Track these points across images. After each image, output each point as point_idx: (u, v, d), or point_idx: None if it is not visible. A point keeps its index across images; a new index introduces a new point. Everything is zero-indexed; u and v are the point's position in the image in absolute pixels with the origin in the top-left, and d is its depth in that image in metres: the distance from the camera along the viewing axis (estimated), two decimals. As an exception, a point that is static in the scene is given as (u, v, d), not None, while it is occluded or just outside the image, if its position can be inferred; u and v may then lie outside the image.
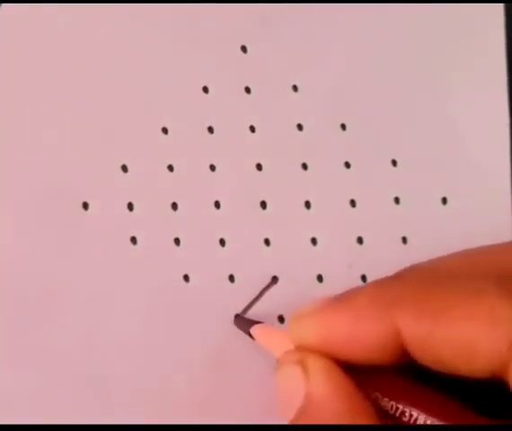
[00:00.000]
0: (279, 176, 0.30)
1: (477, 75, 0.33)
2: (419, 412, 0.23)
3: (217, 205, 0.29)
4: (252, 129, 0.30)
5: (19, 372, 0.27)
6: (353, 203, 0.30)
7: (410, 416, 0.23)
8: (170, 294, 0.28)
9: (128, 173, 0.29)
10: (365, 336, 0.24)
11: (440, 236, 0.31)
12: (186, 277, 0.28)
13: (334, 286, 0.29)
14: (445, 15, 0.33)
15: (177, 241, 0.29)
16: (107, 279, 0.28)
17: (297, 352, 0.24)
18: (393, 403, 0.23)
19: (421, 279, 0.24)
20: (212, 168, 0.29)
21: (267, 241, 0.29)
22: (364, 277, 0.29)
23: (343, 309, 0.24)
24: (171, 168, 0.29)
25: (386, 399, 0.23)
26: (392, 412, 0.23)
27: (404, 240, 0.30)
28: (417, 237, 0.30)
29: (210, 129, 0.30)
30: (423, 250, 0.30)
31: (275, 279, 0.29)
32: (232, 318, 0.28)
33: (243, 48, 0.30)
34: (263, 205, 0.29)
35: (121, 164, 0.29)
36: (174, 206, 0.29)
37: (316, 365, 0.24)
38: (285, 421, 0.24)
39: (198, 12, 0.30)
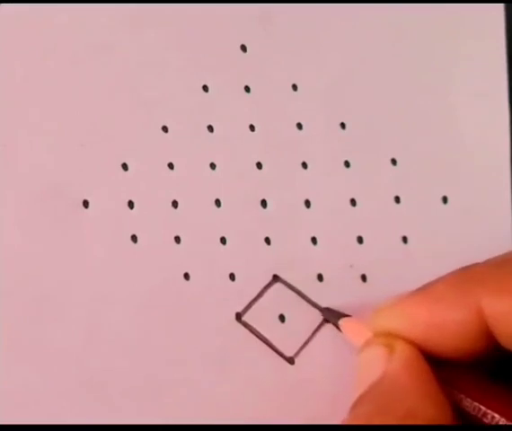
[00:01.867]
0: (279, 175, 0.30)
1: (477, 75, 0.33)
2: (500, 417, 0.23)
3: (218, 203, 0.29)
4: (252, 128, 0.30)
5: (19, 371, 0.27)
6: (353, 202, 0.30)
7: (492, 418, 0.23)
8: (170, 293, 0.28)
9: (128, 171, 0.29)
10: (446, 320, 0.24)
11: (440, 235, 0.31)
12: (186, 276, 0.28)
13: (334, 286, 0.29)
14: (445, 15, 0.33)
15: (177, 239, 0.28)
16: (107, 278, 0.28)
17: (387, 336, 0.25)
18: (476, 404, 0.23)
19: (500, 259, 0.24)
20: (212, 166, 0.29)
21: (267, 240, 0.29)
22: (364, 277, 0.29)
23: (423, 297, 0.25)
24: (171, 166, 0.29)
25: (469, 399, 0.24)
26: (473, 413, 0.23)
27: (404, 239, 0.30)
28: (417, 236, 0.30)
29: (210, 128, 0.30)
30: (423, 250, 0.30)
31: (276, 278, 0.29)
32: (232, 317, 0.28)
33: (243, 48, 0.30)
34: (263, 203, 0.29)
35: (122, 163, 0.29)
36: (175, 204, 0.29)
37: (402, 349, 0.24)
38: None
39: (197, 11, 0.30)
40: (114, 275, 0.28)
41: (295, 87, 0.31)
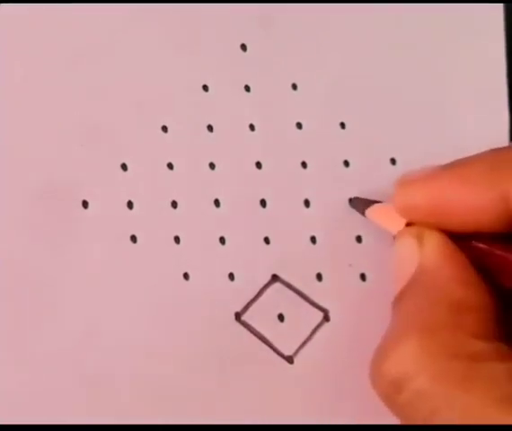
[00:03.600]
0: (279, 174, 0.30)
1: (477, 75, 0.33)
2: None
3: (217, 203, 0.29)
4: (252, 128, 0.30)
5: (18, 371, 0.27)
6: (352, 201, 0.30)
7: None
8: (170, 293, 0.28)
9: (127, 172, 0.29)
10: (472, 202, 0.24)
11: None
12: (186, 276, 0.28)
13: (333, 285, 0.29)
14: (445, 15, 0.33)
15: (177, 239, 0.29)
16: (107, 278, 0.28)
17: (415, 227, 0.25)
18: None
19: None
20: (212, 166, 0.29)
21: (266, 240, 0.29)
22: (363, 276, 0.29)
23: (451, 175, 0.25)
24: (170, 166, 0.29)
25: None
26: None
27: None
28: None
29: (210, 128, 0.30)
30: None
31: (275, 278, 0.29)
32: (232, 316, 0.28)
33: (243, 47, 0.30)
34: (263, 203, 0.29)
35: (121, 163, 0.29)
36: (174, 204, 0.29)
37: (431, 238, 0.24)
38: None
39: (197, 10, 0.30)
40: (114, 275, 0.28)
41: (294, 87, 0.31)
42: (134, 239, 0.28)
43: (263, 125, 0.30)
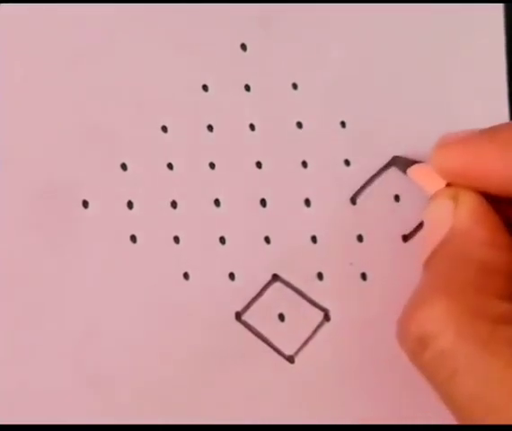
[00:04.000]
0: (279, 174, 0.30)
1: (477, 75, 0.33)
2: None
3: (217, 203, 0.29)
4: (252, 127, 0.30)
5: (19, 371, 0.27)
6: (353, 201, 0.30)
7: None
8: (170, 293, 0.28)
9: (127, 172, 0.29)
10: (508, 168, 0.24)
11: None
12: (186, 275, 0.28)
13: (334, 284, 0.29)
14: (445, 15, 0.33)
15: (177, 239, 0.28)
16: (107, 278, 0.28)
17: (452, 188, 0.25)
18: None
19: None
20: (212, 166, 0.29)
21: (267, 239, 0.29)
22: (364, 275, 0.29)
23: (491, 138, 0.25)
24: (170, 166, 0.29)
25: None
26: None
27: (405, 237, 0.30)
28: (417, 234, 0.30)
29: (210, 127, 0.30)
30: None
31: (275, 277, 0.29)
32: (232, 316, 0.28)
33: (243, 47, 0.30)
34: (263, 203, 0.29)
35: (121, 163, 0.29)
36: (174, 204, 0.29)
37: (466, 199, 0.24)
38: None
39: (197, 10, 0.30)
40: (114, 275, 0.28)
41: (295, 86, 0.31)
42: (134, 239, 0.28)
43: (263, 124, 0.30)
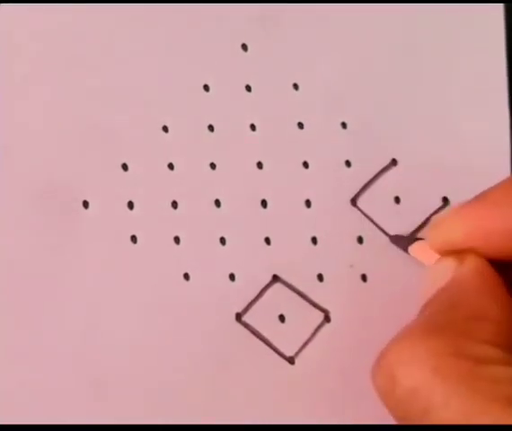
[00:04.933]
0: (280, 174, 0.30)
1: (477, 75, 0.33)
2: None
3: (218, 203, 0.29)
4: (253, 128, 0.30)
5: (19, 371, 0.27)
6: (354, 202, 0.30)
7: None
8: (170, 293, 0.28)
9: (128, 172, 0.29)
10: (507, 224, 0.24)
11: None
12: (186, 276, 0.28)
13: (334, 286, 0.29)
14: (445, 15, 0.33)
15: (177, 239, 0.28)
16: (107, 278, 0.28)
17: (455, 252, 0.25)
18: None
19: None
20: (212, 166, 0.29)
21: (267, 240, 0.29)
22: (364, 277, 0.29)
23: (482, 204, 0.25)
24: (171, 166, 0.29)
25: None
26: None
27: (405, 239, 0.30)
28: (417, 236, 0.30)
29: (211, 128, 0.30)
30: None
31: (275, 278, 0.29)
32: (232, 317, 0.28)
33: (244, 47, 0.30)
34: (264, 203, 0.29)
35: (122, 163, 0.29)
36: (174, 204, 0.29)
37: (472, 258, 0.24)
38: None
39: (198, 10, 0.30)
40: (114, 275, 0.28)
41: (296, 86, 0.31)
42: (134, 239, 0.28)
43: (264, 125, 0.30)
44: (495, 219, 0.24)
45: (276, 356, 0.28)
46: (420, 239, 0.28)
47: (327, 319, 0.29)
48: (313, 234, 0.29)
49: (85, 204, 0.28)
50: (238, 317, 0.28)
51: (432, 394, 0.21)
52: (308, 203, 0.30)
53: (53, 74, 0.28)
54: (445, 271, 0.25)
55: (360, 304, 0.29)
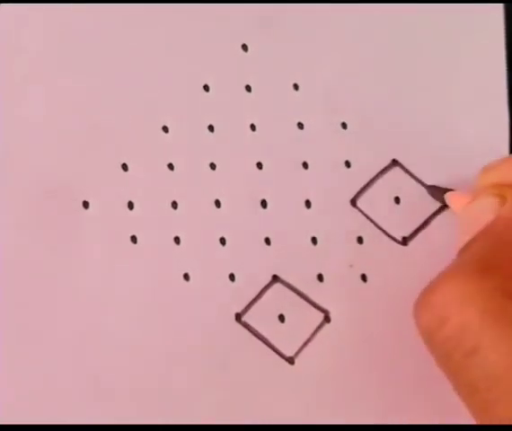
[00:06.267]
0: (280, 175, 0.30)
1: (477, 75, 0.33)
2: None
3: (218, 203, 0.29)
4: (253, 128, 0.30)
5: (19, 371, 0.27)
6: (354, 202, 0.30)
7: None
8: (170, 293, 0.28)
9: (128, 172, 0.29)
10: None
11: (440, 236, 0.31)
12: (186, 276, 0.28)
13: (334, 285, 0.29)
14: (445, 15, 0.33)
15: (177, 239, 0.28)
16: (107, 278, 0.28)
17: (497, 188, 0.25)
18: None
19: None
20: (212, 166, 0.29)
21: (267, 240, 0.29)
22: (364, 277, 0.29)
23: None
24: (171, 167, 0.29)
25: None
26: None
27: (404, 239, 0.30)
28: (416, 237, 0.30)
29: (211, 128, 0.30)
30: (423, 250, 0.30)
31: (275, 278, 0.29)
32: (232, 317, 0.28)
33: (244, 47, 0.30)
34: (263, 204, 0.29)
35: (121, 163, 0.29)
36: (174, 204, 0.29)
37: None
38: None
39: (198, 10, 0.30)
40: (114, 275, 0.28)
41: (296, 87, 0.31)
42: (134, 239, 0.28)
43: (264, 125, 0.30)
44: None
45: (276, 356, 0.28)
46: (452, 190, 0.29)
47: (327, 319, 0.29)
48: (312, 234, 0.29)
49: (85, 204, 0.28)
50: (238, 317, 0.28)
51: (482, 334, 0.21)
52: (308, 203, 0.30)
53: (53, 75, 0.28)
54: (488, 209, 0.24)
55: (360, 304, 0.29)
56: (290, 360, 0.28)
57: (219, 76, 0.30)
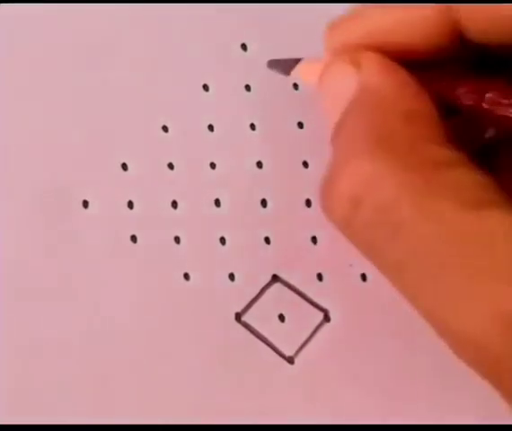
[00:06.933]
0: (280, 174, 0.30)
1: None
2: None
3: (218, 203, 0.29)
4: (253, 127, 0.30)
5: (19, 371, 0.27)
6: (353, 201, 0.30)
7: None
8: (170, 293, 0.28)
9: (128, 172, 0.29)
10: (413, 15, 0.22)
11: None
12: (186, 276, 0.28)
13: (334, 285, 0.29)
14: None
15: (177, 239, 0.28)
16: (107, 278, 0.28)
17: (347, 54, 0.23)
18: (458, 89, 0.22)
19: None
20: (212, 166, 0.29)
21: (267, 240, 0.29)
22: (364, 276, 0.29)
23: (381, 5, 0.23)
24: (171, 166, 0.29)
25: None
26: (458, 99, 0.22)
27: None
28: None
29: (210, 127, 0.30)
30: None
31: (275, 278, 0.29)
32: (232, 317, 0.28)
33: (243, 46, 0.30)
34: (263, 203, 0.29)
35: (121, 163, 0.29)
36: (174, 204, 0.29)
37: (369, 59, 0.22)
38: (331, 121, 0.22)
39: (198, 10, 0.30)
40: (114, 275, 0.28)
41: (295, 86, 0.31)
42: (134, 239, 0.28)
43: (264, 124, 0.30)
44: (402, 13, 0.22)
45: (275, 355, 0.28)
46: (299, 59, 0.26)
47: (327, 318, 0.29)
48: (312, 234, 0.29)
49: (85, 204, 0.28)
50: (238, 317, 0.28)
51: (401, 211, 0.20)
52: (308, 202, 0.30)
53: (53, 75, 0.28)
54: (346, 81, 0.22)
55: (360, 304, 0.29)
56: (290, 359, 0.28)
57: (219, 76, 0.30)
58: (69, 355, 0.27)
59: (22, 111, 0.28)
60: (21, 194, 0.28)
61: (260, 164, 0.30)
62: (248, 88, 0.30)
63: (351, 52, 0.23)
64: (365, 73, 0.22)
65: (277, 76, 0.31)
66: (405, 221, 0.20)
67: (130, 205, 0.28)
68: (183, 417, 0.27)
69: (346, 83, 0.22)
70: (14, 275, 0.27)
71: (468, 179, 0.20)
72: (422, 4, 0.22)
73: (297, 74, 0.26)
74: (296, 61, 0.26)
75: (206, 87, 0.30)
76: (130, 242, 0.28)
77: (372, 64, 0.22)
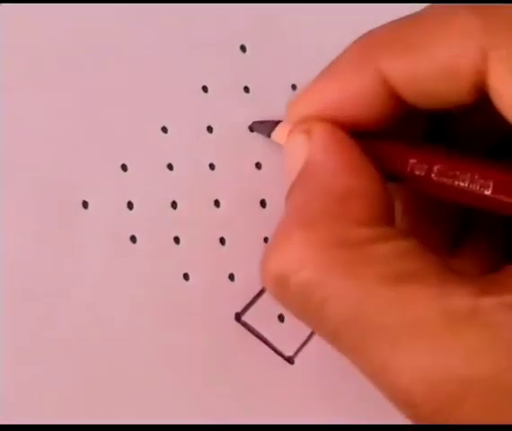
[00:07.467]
0: (279, 174, 0.30)
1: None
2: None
3: (217, 203, 0.29)
4: (252, 128, 0.30)
5: (19, 371, 0.27)
6: (353, 202, 0.30)
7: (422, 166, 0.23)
8: (169, 294, 0.28)
9: (127, 172, 0.29)
10: (351, 90, 0.24)
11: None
12: (186, 276, 0.28)
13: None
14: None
15: (177, 239, 0.28)
16: (106, 278, 0.28)
17: (304, 123, 0.24)
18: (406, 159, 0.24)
19: (397, 22, 0.24)
20: (211, 167, 0.29)
21: (267, 240, 0.29)
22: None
23: (327, 75, 0.24)
24: (170, 167, 0.29)
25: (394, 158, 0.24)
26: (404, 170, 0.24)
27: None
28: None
29: (209, 128, 0.30)
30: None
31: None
32: (232, 317, 0.28)
33: (243, 48, 0.31)
34: (263, 203, 0.29)
35: (121, 163, 0.29)
36: (174, 204, 0.29)
37: (318, 129, 0.24)
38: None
39: (197, 11, 0.30)
40: (114, 275, 0.28)
41: (294, 87, 0.31)
42: (134, 239, 0.28)
43: (263, 125, 0.30)
44: (341, 89, 0.24)
45: (275, 355, 0.28)
46: (279, 121, 0.28)
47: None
48: (312, 234, 0.29)
49: (85, 204, 0.28)
50: (237, 317, 0.28)
51: (324, 287, 0.21)
52: (308, 203, 0.30)
53: (53, 74, 0.28)
54: (298, 150, 0.24)
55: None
56: (290, 359, 0.28)
57: (218, 77, 0.30)
58: (68, 354, 0.27)
59: (21, 112, 0.28)
60: (20, 194, 0.27)
61: (259, 165, 0.30)
62: (247, 89, 0.30)
63: (307, 122, 0.24)
64: (312, 145, 0.24)
65: (276, 78, 0.31)
66: (329, 296, 0.21)
67: (130, 205, 0.28)
68: (183, 417, 0.27)
69: (298, 153, 0.24)
70: (14, 275, 0.27)
71: (390, 253, 0.21)
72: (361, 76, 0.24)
73: (275, 137, 0.28)
74: (277, 123, 0.28)
75: (205, 88, 0.30)
76: (130, 243, 0.28)
77: (320, 136, 0.24)
